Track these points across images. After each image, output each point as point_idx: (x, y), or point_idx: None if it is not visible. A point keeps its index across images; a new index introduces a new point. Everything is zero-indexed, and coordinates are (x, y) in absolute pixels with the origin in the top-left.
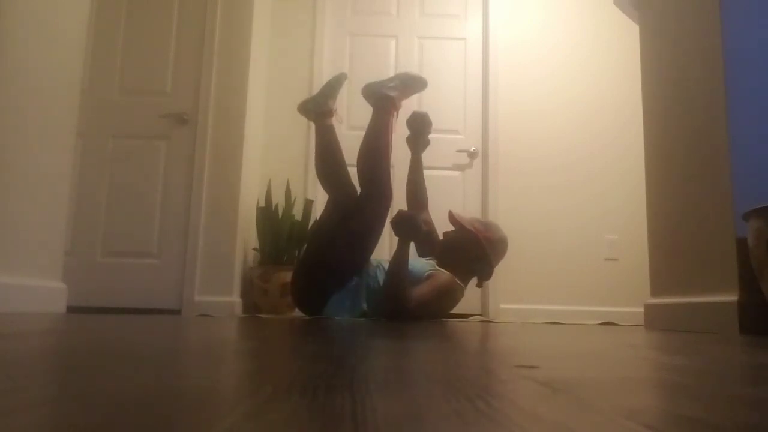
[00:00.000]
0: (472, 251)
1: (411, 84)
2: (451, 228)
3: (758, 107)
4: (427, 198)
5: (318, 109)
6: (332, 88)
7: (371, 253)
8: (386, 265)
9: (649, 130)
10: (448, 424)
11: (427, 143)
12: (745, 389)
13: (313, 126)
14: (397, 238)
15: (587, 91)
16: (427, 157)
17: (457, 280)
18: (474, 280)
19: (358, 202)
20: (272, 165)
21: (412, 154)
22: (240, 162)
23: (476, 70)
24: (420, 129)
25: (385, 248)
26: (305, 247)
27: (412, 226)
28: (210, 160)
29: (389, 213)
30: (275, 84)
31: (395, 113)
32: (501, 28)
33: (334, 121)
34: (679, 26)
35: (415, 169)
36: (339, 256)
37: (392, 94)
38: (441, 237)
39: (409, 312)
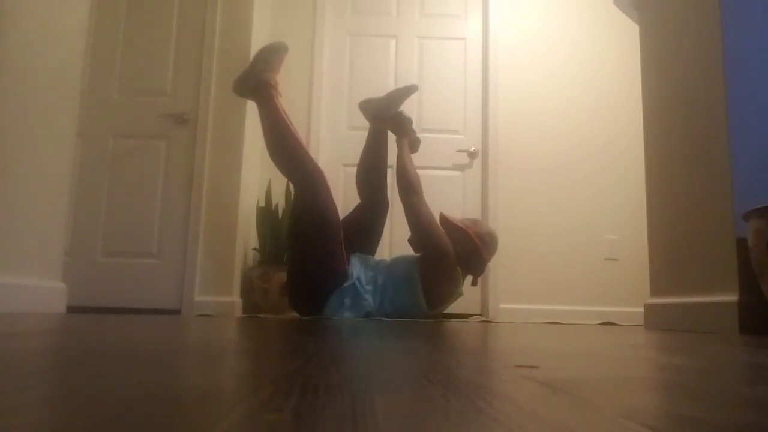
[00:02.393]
0: (465, 247)
1: (274, 56)
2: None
3: (758, 107)
4: (419, 183)
5: (380, 114)
6: (401, 96)
7: (340, 239)
8: (390, 268)
9: (649, 130)
10: (448, 424)
11: (413, 137)
12: (745, 389)
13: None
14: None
15: (587, 91)
16: (427, 157)
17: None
18: (469, 279)
19: (296, 195)
20: (272, 165)
21: (398, 148)
22: (240, 162)
23: (476, 70)
24: (394, 123)
25: (385, 248)
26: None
27: (399, 118)
28: (210, 160)
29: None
30: None
31: (277, 93)
32: (501, 28)
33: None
34: (679, 26)
35: (401, 156)
36: (309, 251)
37: (264, 77)
38: None
39: (418, 211)
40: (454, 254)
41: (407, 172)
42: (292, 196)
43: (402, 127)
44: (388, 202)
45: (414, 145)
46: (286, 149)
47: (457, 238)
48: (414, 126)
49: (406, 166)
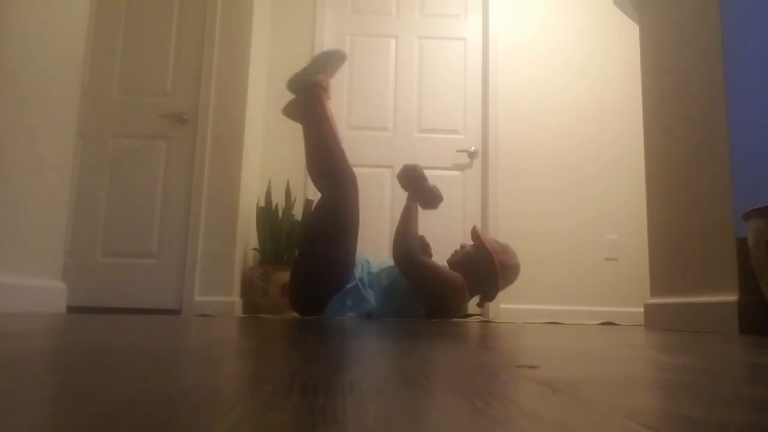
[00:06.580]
0: (484, 270)
1: (331, 62)
2: (468, 242)
3: (758, 107)
4: (419, 247)
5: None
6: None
7: (356, 243)
8: (398, 274)
9: (649, 130)
10: (448, 424)
11: (437, 198)
12: (745, 389)
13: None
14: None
15: (587, 91)
16: (427, 157)
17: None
18: (476, 299)
19: (324, 197)
20: (272, 165)
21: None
22: (240, 162)
23: (476, 70)
24: (412, 182)
25: (385, 249)
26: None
27: (415, 176)
28: (210, 160)
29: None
30: (275, 84)
31: (327, 95)
32: (501, 28)
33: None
34: (679, 26)
35: (406, 216)
36: (324, 254)
37: (317, 79)
38: (459, 247)
39: (419, 278)
40: (465, 285)
41: (406, 240)
42: (320, 197)
43: (413, 182)
44: (352, 176)
45: (430, 202)
46: (329, 150)
47: (479, 256)
48: (414, 127)
49: (408, 231)
